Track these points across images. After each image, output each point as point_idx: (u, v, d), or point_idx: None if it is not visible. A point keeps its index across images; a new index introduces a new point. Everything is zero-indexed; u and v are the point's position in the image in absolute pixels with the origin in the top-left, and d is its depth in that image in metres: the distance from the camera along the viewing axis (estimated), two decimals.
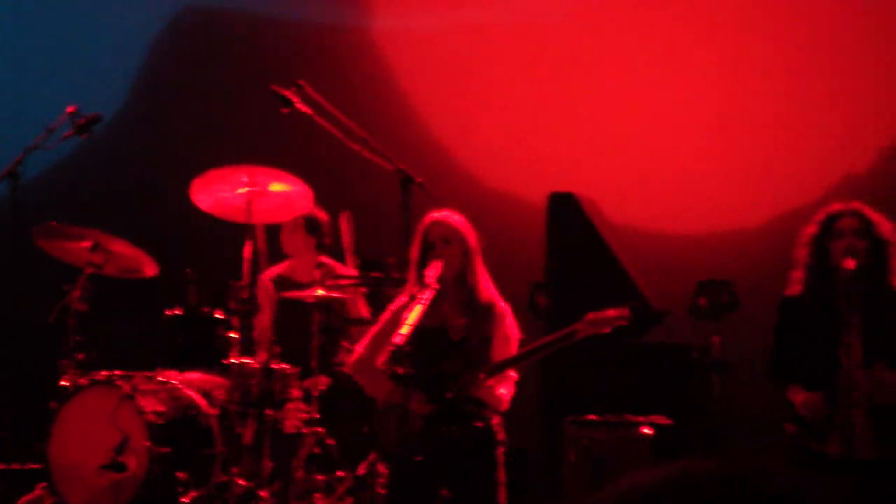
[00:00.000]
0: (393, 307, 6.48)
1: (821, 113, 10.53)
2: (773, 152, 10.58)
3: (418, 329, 6.03)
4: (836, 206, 6.32)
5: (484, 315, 6.34)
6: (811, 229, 6.32)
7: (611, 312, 6.29)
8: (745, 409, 9.99)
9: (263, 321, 8.50)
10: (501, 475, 6.33)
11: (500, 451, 6.36)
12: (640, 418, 8.58)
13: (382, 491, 7.66)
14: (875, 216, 6.25)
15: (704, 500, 1.44)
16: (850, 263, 6.10)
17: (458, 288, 6.36)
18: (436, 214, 6.43)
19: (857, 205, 6.28)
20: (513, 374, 6.38)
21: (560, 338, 6.31)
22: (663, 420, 8.62)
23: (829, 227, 6.25)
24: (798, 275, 6.34)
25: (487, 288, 6.40)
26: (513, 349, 6.35)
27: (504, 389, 6.31)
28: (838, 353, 6.06)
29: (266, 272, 8.76)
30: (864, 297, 6.14)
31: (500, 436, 6.37)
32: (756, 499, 1.46)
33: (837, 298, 6.13)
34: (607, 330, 6.31)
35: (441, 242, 6.32)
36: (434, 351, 6.31)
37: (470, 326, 6.32)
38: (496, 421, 6.36)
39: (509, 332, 6.36)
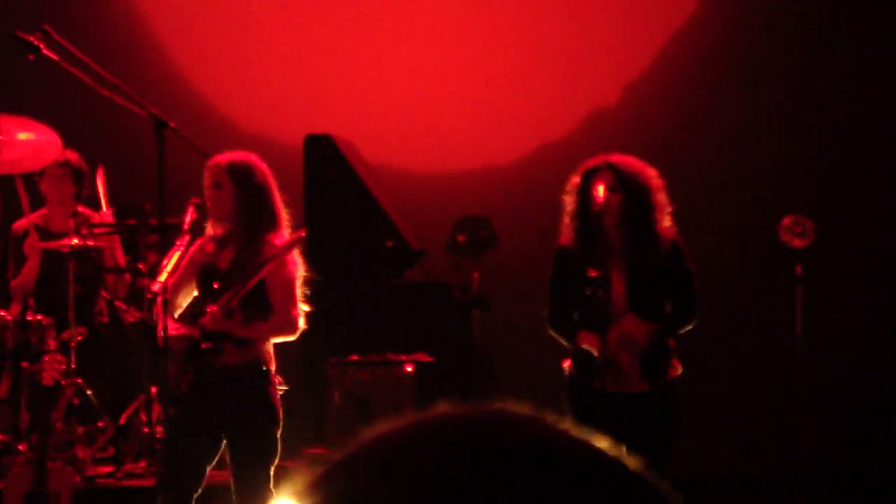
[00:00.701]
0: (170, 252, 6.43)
1: (569, 49, 10.74)
2: (524, 89, 10.76)
3: (197, 267, 6.18)
4: (592, 161, 6.43)
5: (255, 251, 6.24)
6: (574, 179, 6.42)
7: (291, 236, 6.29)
8: (507, 342, 10.19)
9: (27, 272, 8.30)
10: (275, 413, 6.27)
11: (270, 387, 6.27)
12: (402, 357, 8.68)
13: (147, 437, 7.62)
14: (631, 167, 6.38)
15: (456, 447, 1.48)
16: (608, 218, 6.26)
17: (235, 227, 6.29)
18: (216, 157, 6.36)
19: (612, 158, 6.40)
20: (296, 313, 6.25)
21: (258, 265, 6.16)
22: (425, 358, 8.73)
23: (589, 179, 6.37)
24: (566, 225, 6.45)
25: (270, 228, 6.30)
26: (292, 288, 6.26)
27: (265, 326, 6.22)
28: (606, 298, 6.24)
29: (17, 222, 8.55)
30: (626, 245, 6.31)
31: (268, 367, 6.26)
32: (506, 446, 1.50)
33: (602, 247, 6.29)
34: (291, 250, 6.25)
35: (212, 187, 6.27)
36: (203, 289, 6.31)
37: (236, 262, 6.23)
38: (260, 355, 6.24)
39: (283, 272, 6.24)
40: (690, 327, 6.50)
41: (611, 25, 10.70)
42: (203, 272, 6.31)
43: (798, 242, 9.12)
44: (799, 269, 9.11)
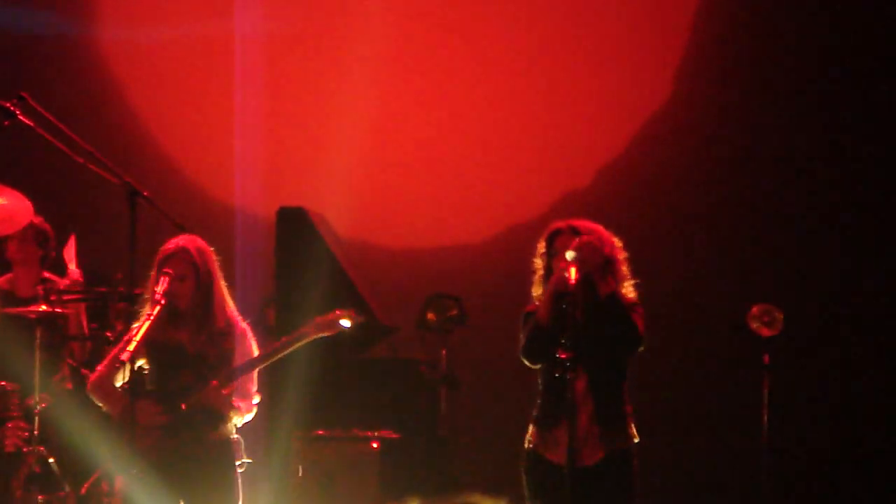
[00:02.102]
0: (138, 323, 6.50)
1: (544, 132, 10.80)
2: (499, 170, 10.80)
3: (157, 344, 6.29)
4: (555, 224, 6.43)
5: (223, 335, 6.50)
6: (540, 245, 6.42)
7: (336, 312, 6.59)
8: (473, 420, 10.16)
9: None
10: (237, 484, 6.46)
11: (237, 461, 6.48)
12: (368, 433, 8.63)
13: None
14: (593, 231, 6.37)
15: None
16: (567, 279, 6.22)
17: (194, 310, 6.48)
18: (171, 246, 6.53)
19: (575, 221, 6.39)
20: (255, 393, 6.55)
21: (290, 340, 6.54)
22: (391, 434, 8.69)
23: (552, 244, 6.37)
24: (536, 290, 6.44)
25: (225, 309, 6.55)
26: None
27: (242, 404, 6.46)
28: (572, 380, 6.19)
29: None
30: (585, 310, 6.28)
31: (236, 445, 6.50)
32: None
33: (566, 313, 6.25)
34: (332, 332, 6.57)
35: (176, 280, 6.42)
36: (170, 365, 6.43)
37: (207, 343, 6.45)
38: (232, 432, 6.49)
39: (249, 350, 6.53)
40: (636, 349, 6.35)
41: (586, 109, 10.76)
42: (166, 351, 6.43)
43: (766, 331, 9.15)
44: (766, 358, 9.14)
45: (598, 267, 6.20)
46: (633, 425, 6.37)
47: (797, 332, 9.56)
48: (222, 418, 6.42)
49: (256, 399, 6.55)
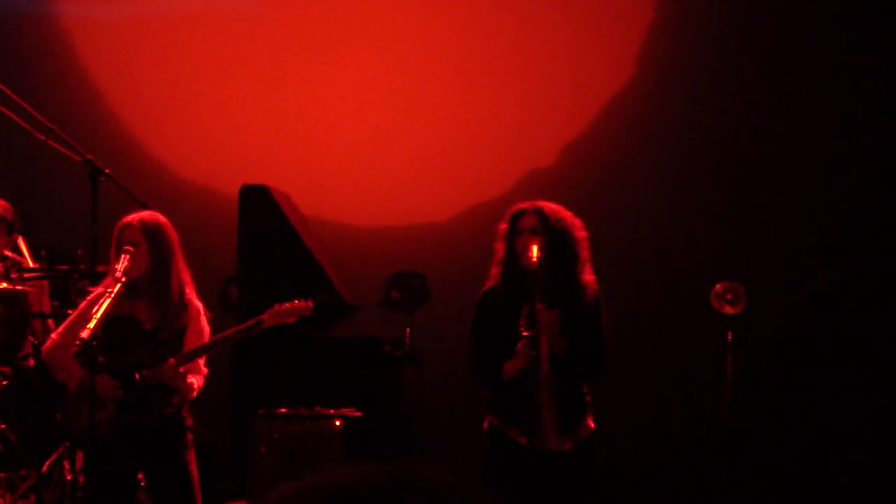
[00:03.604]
0: (91, 297, 6.54)
1: (508, 110, 10.80)
2: (462, 147, 10.80)
3: (112, 318, 6.32)
4: (519, 205, 6.45)
5: (177, 311, 6.58)
6: (502, 225, 6.44)
7: (295, 303, 6.74)
8: (437, 399, 10.17)
9: None
10: (192, 458, 6.57)
11: (189, 436, 6.60)
12: (331, 411, 8.64)
13: (70, 485, 7.55)
14: (556, 212, 6.39)
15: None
16: (529, 260, 6.24)
17: (150, 284, 6.56)
18: (128, 218, 6.59)
19: (539, 203, 6.41)
20: (204, 368, 6.66)
21: (247, 327, 6.68)
22: (354, 413, 8.70)
23: (515, 224, 6.39)
24: (495, 270, 6.46)
25: (181, 286, 6.62)
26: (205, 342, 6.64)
27: (194, 379, 6.57)
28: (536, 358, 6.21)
29: None
30: (549, 291, 6.29)
31: (189, 421, 6.62)
32: None
33: (525, 293, 6.27)
34: (292, 320, 6.75)
35: (129, 246, 6.49)
36: (126, 340, 6.54)
37: (162, 319, 6.55)
38: (185, 408, 6.62)
39: (202, 328, 6.63)
40: (599, 375, 6.42)
41: (550, 88, 10.77)
42: (122, 325, 6.51)
43: (729, 309, 9.19)
44: (730, 336, 9.18)
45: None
46: (590, 414, 6.42)
47: (761, 310, 9.61)
48: (177, 394, 6.52)
49: (205, 372, 6.67)
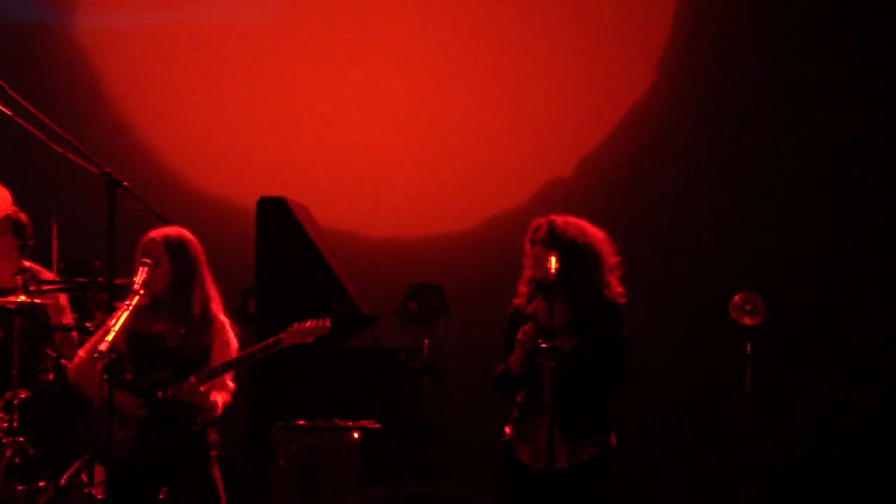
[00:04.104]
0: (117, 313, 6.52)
1: (525, 120, 10.79)
2: (480, 159, 10.79)
3: (136, 336, 6.35)
4: (535, 220, 6.42)
5: (200, 328, 6.53)
6: (526, 243, 6.41)
7: (311, 323, 6.66)
8: (455, 410, 10.15)
9: None
10: (216, 474, 6.51)
11: (213, 453, 6.53)
12: (349, 423, 8.62)
13: (88, 498, 7.54)
14: (567, 223, 6.35)
15: None
16: (544, 272, 6.21)
17: (171, 301, 6.52)
18: (153, 233, 6.59)
19: (551, 216, 6.38)
20: (231, 384, 6.60)
21: (265, 346, 6.58)
22: (372, 424, 8.67)
23: (532, 239, 6.37)
24: (522, 288, 6.43)
25: (205, 302, 6.58)
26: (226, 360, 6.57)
27: (218, 397, 6.51)
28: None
29: None
30: (567, 301, 6.27)
31: (213, 438, 6.56)
32: None
33: (550, 310, 6.23)
34: (310, 339, 6.66)
35: (150, 264, 6.46)
36: (149, 358, 6.49)
37: (185, 336, 6.50)
38: (209, 426, 6.55)
39: (228, 342, 6.58)
40: (615, 389, 6.38)
41: (568, 99, 10.76)
42: (145, 343, 6.48)
43: (748, 320, 9.16)
44: (749, 347, 9.15)
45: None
46: (609, 430, 6.35)
47: (779, 320, 9.58)
48: (200, 412, 6.47)
49: (232, 388, 6.61)
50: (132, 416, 6.40)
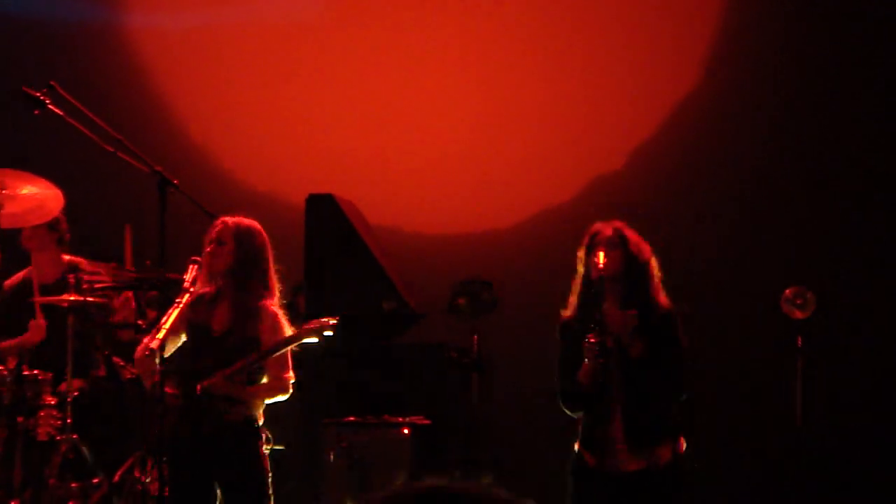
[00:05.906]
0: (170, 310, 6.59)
1: (575, 114, 10.77)
2: (529, 153, 10.78)
3: (189, 324, 6.46)
4: (597, 225, 6.39)
5: (249, 316, 6.54)
6: (581, 249, 6.38)
7: (322, 321, 6.62)
8: (506, 406, 10.15)
9: (35, 330, 8.22)
10: (264, 466, 6.53)
11: (260, 443, 6.54)
12: (399, 419, 8.64)
13: (141, 494, 7.60)
14: (632, 234, 6.34)
15: None
16: (598, 267, 6.17)
17: (228, 284, 6.56)
18: (226, 217, 6.68)
19: (616, 223, 6.35)
20: (289, 374, 6.58)
21: (284, 341, 6.55)
22: (422, 420, 8.69)
23: (592, 241, 6.33)
24: (572, 299, 6.39)
25: (262, 293, 6.61)
26: (286, 353, 6.59)
27: (275, 384, 6.52)
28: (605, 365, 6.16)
29: (7, 280, 8.51)
30: (624, 304, 6.25)
31: (262, 432, 6.56)
32: None
33: (601, 315, 6.19)
34: (320, 338, 6.61)
35: (215, 243, 6.54)
36: (194, 347, 6.56)
37: (233, 324, 6.52)
38: (255, 416, 6.55)
39: (279, 330, 6.56)
40: (677, 402, 6.35)
41: (617, 92, 10.73)
42: (197, 331, 6.55)
43: (799, 314, 9.12)
44: (799, 341, 9.11)
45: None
46: (678, 434, 6.31)
47: (830, 314, 9.52)
48: (238, 402, 6.47)
49: (291, 386, 6.59)
50: (173, 406, 6.45)
